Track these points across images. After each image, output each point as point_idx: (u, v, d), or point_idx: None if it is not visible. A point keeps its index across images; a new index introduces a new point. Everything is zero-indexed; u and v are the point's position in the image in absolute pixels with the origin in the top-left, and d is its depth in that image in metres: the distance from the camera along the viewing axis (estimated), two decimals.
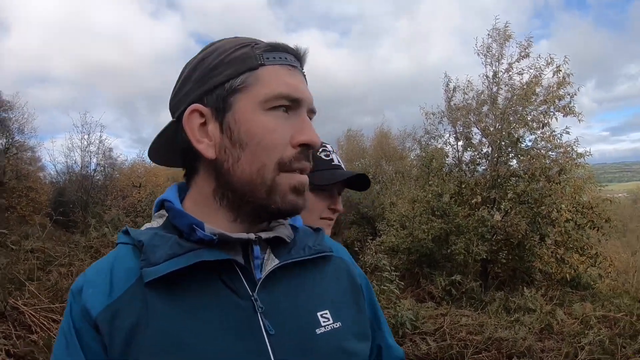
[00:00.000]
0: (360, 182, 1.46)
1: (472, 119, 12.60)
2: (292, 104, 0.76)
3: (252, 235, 0.76)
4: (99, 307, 0.69)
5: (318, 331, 0.75)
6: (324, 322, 0.76)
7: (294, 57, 0.79)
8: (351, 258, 0.94)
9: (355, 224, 19.26)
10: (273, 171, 0.74)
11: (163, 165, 0.90)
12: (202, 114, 0.76)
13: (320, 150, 1.42)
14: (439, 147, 13.43)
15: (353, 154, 24.32)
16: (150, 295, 0.69)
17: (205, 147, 0.75)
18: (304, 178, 0.78)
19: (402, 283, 8.35)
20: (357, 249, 12.34)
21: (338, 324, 0.78)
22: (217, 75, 0.75)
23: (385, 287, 7.65)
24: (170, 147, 0.83)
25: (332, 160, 1.44)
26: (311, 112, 0.80)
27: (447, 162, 13.05)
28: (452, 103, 13.20)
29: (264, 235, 0.77)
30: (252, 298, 0.72)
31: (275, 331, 0.71)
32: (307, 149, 0.77)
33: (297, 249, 0.80)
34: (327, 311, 0.78)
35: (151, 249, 0.72)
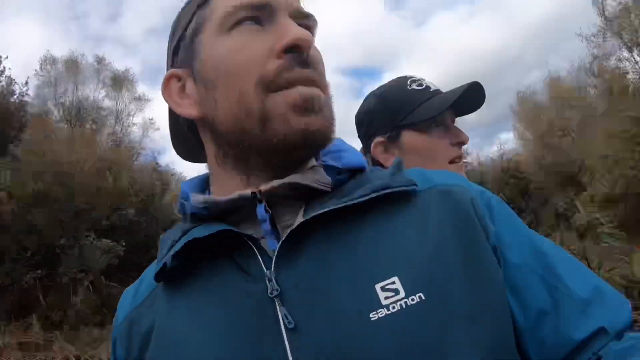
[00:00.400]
0: (471, 100, 1.12)
1: (636, 21, 10.60)
2: (261, 13, 0.59)
3: (247, 192, 0.57)
4: (122, 315, 0.64)
5: (373, 316, 0.47)
6: (386, 297, 0.48)
7: None
8: (470, 184, 0.61)
9: (558, 187, 17.32)
10: (256, 95, 0.56)
11: (191, 160, 0.76)
12: (178, 78, 0.64)
13: (409, 81, 1.15)
14: (613, 67, 11.59)
15: (531, 114, 22.16)
16: (161, 294, 0.60)
17: (187, 107, 0.63)
18: (308, 90, 0.56)
19: (624, 234, 7.18)
20: (563, 210, 11.08)
21: (417, 297, 0.48)
22: (177, 32, 0.66)
23: (606, 243, 6.79)
24: (182, 135, 0.71)
25: (428, 87, 1.13)
26: (300, 15, 0.61)
27: (630, 79, 11.12)
28: (607, 14, 11.38)
29: (264, 187, 0.56)
30: (267, 278, 0.52)
31: (296, 323, 0.48)
32: (298, 52, 0.57)
33: (342, 197, 0.55)
34: (394, 279, 0.49)
35: (162, 244, 0.62)
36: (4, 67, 15.18)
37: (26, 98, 15.17)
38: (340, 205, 0.53)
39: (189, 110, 0.62)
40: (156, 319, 0.58)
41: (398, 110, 1.11)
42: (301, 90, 0.56)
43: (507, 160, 20.44)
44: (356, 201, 0.53)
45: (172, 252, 0.57)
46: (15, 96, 14.55)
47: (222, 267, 0.56)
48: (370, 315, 0.47)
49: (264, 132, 0.56)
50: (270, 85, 0.56)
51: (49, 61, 18.85)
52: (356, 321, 0.48)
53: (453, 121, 1.15)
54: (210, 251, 0.57)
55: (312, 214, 0.53)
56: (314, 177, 0.58)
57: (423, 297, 0.48)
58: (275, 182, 0.56)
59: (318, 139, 0.57)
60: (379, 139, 1.13)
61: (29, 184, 11.78)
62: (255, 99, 0.56)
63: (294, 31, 0.56)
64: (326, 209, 0.53)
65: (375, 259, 0.52)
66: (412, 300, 0.48)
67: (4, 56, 14.92)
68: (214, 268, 0.56)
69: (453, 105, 1.08)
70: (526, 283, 0.53)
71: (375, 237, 0.54)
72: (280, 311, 0.50)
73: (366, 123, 1.17)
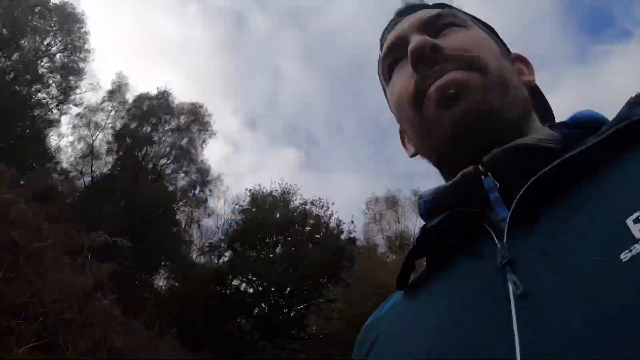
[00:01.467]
0: None
1: None
2: (399, 50, 0.64)
3: (469, 168, 0.54)
4: (364, 326, 0.67)
5: (625, 255, 0.37)
6: None
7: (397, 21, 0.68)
8: None
9: None
10: (414, 113, 0.60)
11: None
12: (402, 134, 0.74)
13: None
14: None
15: None
16: (399, 305, 0.62)
17: (410, 150, 0.72)
18: (441, 81, 0.56)
19: None
20: None
21: None
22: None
23: None
24: None
25: None
26: (427, 24, 0.62)
27: None
28: None
29: (485, 158, 0.53)
30: (497, 249, 0.46)
31: (525, 289, 0.41)
32: (421, 57, 0.58)
33: (576, 147, 0.47)
34: None
35: None
36: (332, 212, 19.13)
37: (353, 235, 18.41)
38: (571, 154, 0.46)
39: (410, 151, 0.71)
40: (383, 328, 0.59)
41: None
42: (436, 85, 0.56)
43: None
44: (589, 144, 0.46)
45: (406, 254, 0.57)
46: (344, 234, 17.93)
47: (456, 260, 0.52)
48: (621, 256, 0.37)
49: (436, 140, 0.58)
50: (417, 100, 0.59)
51: (373, 201, 22.34)
52: (600, 268, 0.38)
53: None
54: (450, 250, 0.54)
55: (540, 172, 0.46)
56: (536, 136, 0.53)
57: None
58: (495, 150, 0.52)
59: (477, 120, 0.54)
60: None
61: (355, 306, 13.64)
62: (415, 117, 0.60)
63: (409, 47, 0.58)
64: (554, 163, 0.46)
65: (623, 195, 0.42)
66: None
67: (330, 202, 18.86)
68: (449, 264, 0.53)
69: None
70: None
71: (622, 175, 0.44)
72: (509, 278, 0.43)
73: None
